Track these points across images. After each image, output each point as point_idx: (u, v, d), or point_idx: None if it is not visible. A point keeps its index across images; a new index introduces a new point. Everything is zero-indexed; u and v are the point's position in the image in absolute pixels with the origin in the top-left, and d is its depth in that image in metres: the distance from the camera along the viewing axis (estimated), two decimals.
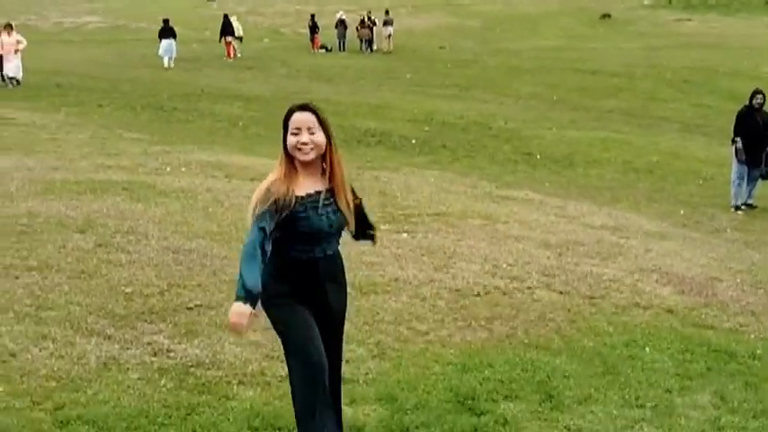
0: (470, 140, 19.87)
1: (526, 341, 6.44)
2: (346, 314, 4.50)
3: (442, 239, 9.07)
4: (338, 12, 41.40)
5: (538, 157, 18.38)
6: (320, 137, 4.08)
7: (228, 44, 35.97)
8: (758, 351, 6.48)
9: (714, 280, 8.58)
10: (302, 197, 4.08)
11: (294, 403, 4.23)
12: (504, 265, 8.24)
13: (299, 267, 4.19)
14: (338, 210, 4.17)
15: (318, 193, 4.12)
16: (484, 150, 18.88)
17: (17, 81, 25.03)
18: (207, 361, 5.58)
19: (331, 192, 4.16)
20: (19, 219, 8.30)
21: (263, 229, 3.97)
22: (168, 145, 15.90)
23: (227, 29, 36.26)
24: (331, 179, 4.17)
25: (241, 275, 3.91)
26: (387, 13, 40.27)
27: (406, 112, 23.33)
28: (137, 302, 6.40)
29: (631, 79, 31.82)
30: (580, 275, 8.11)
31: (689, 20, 50.71)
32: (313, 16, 40.52)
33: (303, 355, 4.15)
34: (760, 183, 14.73)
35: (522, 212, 11.21)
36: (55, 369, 5.20)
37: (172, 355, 5.61)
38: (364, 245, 4.71)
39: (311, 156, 4.07)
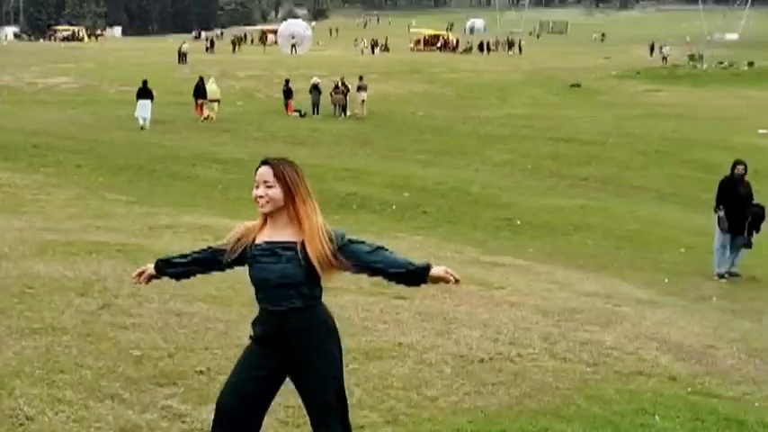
0: (450, 206, 20.02)
1: (535, 408, 6.43)
2: (328, 376, 4.39)
3: (440, 305, 9.09)
4: (312, 77, 41.70)
5: (518, 223, 18.55)
6: (276, 191, 4.17)
7: (199, 105, 36.16)
8: (766, 419, 6.52)
9: (711, 348, 8.64)
10: (257, 245, 4.23)
11: None
12: (505, 332, 8.27)
13: (262, 315, 4.32)
14: (301, 261, 4.14)
15: (274, 243, 4.18)
16: (465, 216, 19.03)
17: None
18: None
19: (302, 243, 4.16)
20: (18, 279, 8.22)
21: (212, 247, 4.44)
22: (151, 207, 15.90)
23: (200, 91, 36.48)
24: (301, 231, 4.18)
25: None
26: (360, 78, 40.64)
27: (385, 177, 23.47)
28: (147, 366, 6.34)
29: (604, 147, 32.24)
30: (581, 342, 8.15)
31: (659, 90, 51.66)
32: (287, 81, 40.83)
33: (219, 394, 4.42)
34: (743, 252, 14.92)
35: (514, 279, 11.28)
36: None
37: (188, 420, 5.55)
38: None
39: (267, 209, 4.20)
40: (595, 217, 19.65)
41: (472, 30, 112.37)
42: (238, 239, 4.30)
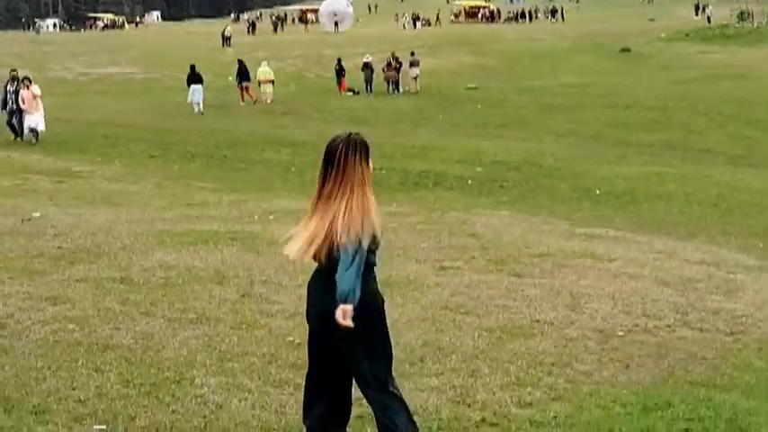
0: (525, 179, 19.99)
1: (689, 379, 6.48)
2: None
3: (562, 280, 9.12)
4: (364, 55, 41.72)
5: (597, 192, 18.49)
6: None
7: (244, 89, 36.36)
8: None
9: None
10: None
11: None
12: (635, 304, 8.29)
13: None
14: None
15: None
16: (542, 189, 18.99)
17: (36, 134, 23.67)
18: None
19: None
20: (154, 272, 8.40)
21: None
22: (237, 193, 16.05)
23: (243, 74, 36.69)
24: None
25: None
26: (412, 54, 40.61)
27: (453, 153, 23.48)
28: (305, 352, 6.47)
29: (665, 112, 31.99)
30: (713, 312, 8.16)
31: (711, 52, 51.06)
32: (339, 60, 40.92)
33: None
34: None
35: (619, 250, 11.26)
36: (264, 420, 5.28)
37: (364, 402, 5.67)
38: None
39: None
40: (673, 184, 19.53)
41: None
42: (377, 226, 4.52)
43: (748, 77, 40.69)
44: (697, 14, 79.21)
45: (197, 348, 6.38)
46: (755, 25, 63.26)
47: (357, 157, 4.48)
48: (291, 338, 6.69)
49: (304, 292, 7.88)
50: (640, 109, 32.89)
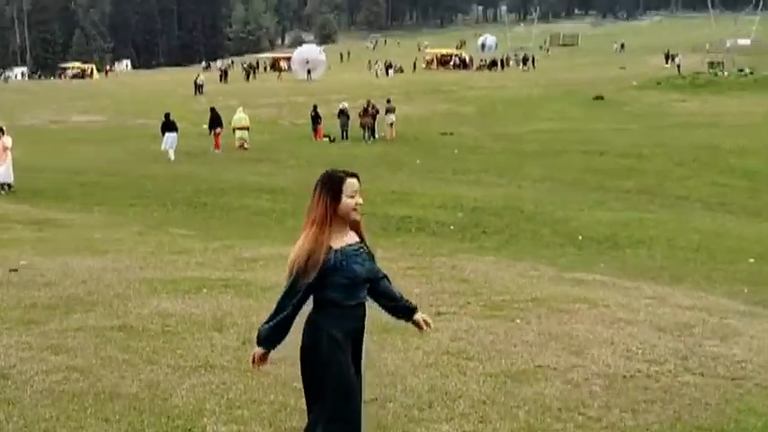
0: (507, 225, 20.05)
1: (696, 424, 6.49)
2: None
3: (559, 325, 9.13)
4: (340, 102, 41.93)
5: (580, 238, 18.57)
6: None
7: (217, 135, 36.39)
8: None
9: None
10: (340, 250, 4.61)
11: None
12: (634, 349, 8.31)
13: (342, 312, 4.69)
14: (369, 257, 4.74)
15: (357, 245, 4.71)
16: (524, 234, 19.07)
17: (8, 186, 23.40)
18: None
19: (362, 243, 4.75)
20: (152, 319, 8.32)
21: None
22: (220, 240, 15.96)
23: (215, 121, 36.77)
24: (359, 233, 4.78)
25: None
26: (388, 101, 40.86)
27: (433, 198, 23.55)
28: None
29: (640, 159, 32.32)
30: (712, 357, 8.18)
31: (683, 100, 51.75)
32: (315, 107, 41.06)
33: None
34: None
35: (610, 295, 11.30)
36: None
37: None
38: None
39: (359, 216, 4.76)
40: (654, 229, 19.67)
41: (483, 46, 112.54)
42: (308, 261, 4.56)
43: (720, 125, 41.25)
44: (667, 63, 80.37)
45: (204, 396, 6.31)
46: (726, 74, 64.24)
47: (322, 192, 4.66)
48: (297, 385, 6.63)
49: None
50: (615, 156, 33.20)
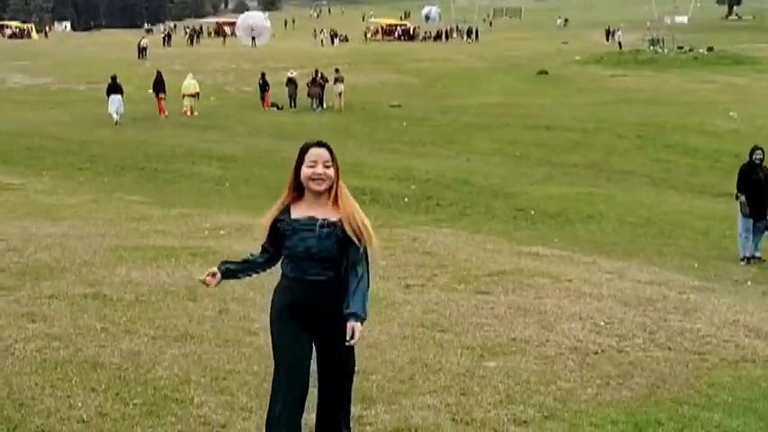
0: (460, 197, 20.22)
1: (670, 398, 6.65)
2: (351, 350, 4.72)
3: (526, 299, 9.28)
4: (288, 70, 41.66)
5: (533, 212, 18.80)
6: (332, 171, 4.60)
7: (161, 100, 36.02)
8: None
9: None
10: (296, 219, 4.58)
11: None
12: (602, 324, 8.48)
13: (292, 284, 4.66)
14: (338, 237, 4.55)
15: (316, 219, 4.56)
16: (478, 207, 19.25)
17: None
18: (403, 426, 5.68)
19: (339, 221, 4.57)
20: (125, 288, 8.28)
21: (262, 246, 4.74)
22: (176, 208, 15.87)
23: (159, 85, 36.37)
24: (339, 209, 4.60)
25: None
26: (337, 70, 40.67)
27: (385, 170, 23.63)
28: None
29: (585, 134, 32.65)
30: (677, 331, 8.38)
31: (624, 75, 52.32)
32: (263, 74, 40.70)
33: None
34: (766, 235, 15.30)
35: (570, 269, 11.50)
36: None
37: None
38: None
39: (324, 186, 4.58)
40: (603, 204, 19.97)
41: (428, 17, 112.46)
42: (263, 221, 4.70)
43: (661, 102, 41.77)
44: (608, 40, 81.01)
45: (188, 367, 6.31)
46: (666, 52, 65.06)
47: (295, 160, 4.68)
48: None
49: None
50: (562, 130, 33.48)
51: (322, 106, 39.59)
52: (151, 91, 37.35)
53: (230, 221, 13.68)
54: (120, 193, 18.09)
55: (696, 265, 14.17)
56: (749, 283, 13.11)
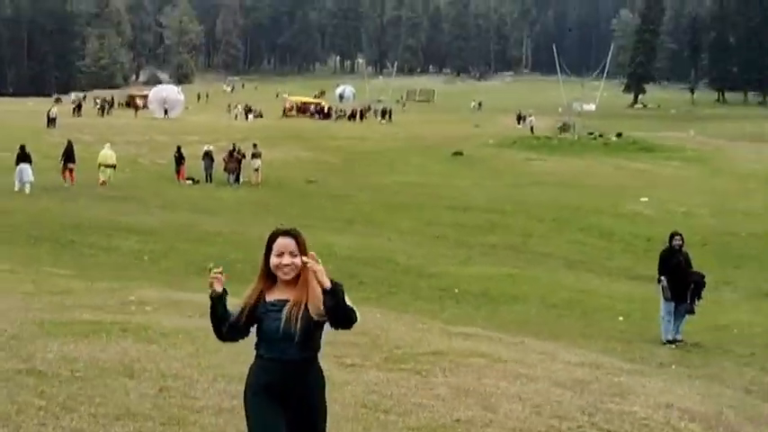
0: (385, 276, 20.22)
1: None
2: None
3: (465, 380, 9.26)
4: (205, 144, 41.51)
5: (456, 291, 18.90)
6: (299, 260, 4.67)
7: (69, 171, 35.54)
8: None
9: (721, 414, 9.11)
10: (268, 302, 4.68)
11: None
12: (542, 405, 8.50)
13: (264, 364, 4.71)
14: (309, 317, 4.61)
15: (283, 301, 4.65)
16: (403, 286, 19.27)
17: None
18: None
19: (305, 303, 4.64)
20: (59, 364, 8.00)
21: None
22: (97, 281, 15.50)
23: (70, 155, 35.90)
24: (306, 292, 4.66)
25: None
26: (255, 146, 40.71)
27: (308, 247, 23.48)
28: None
29: (503, 215, 33.19)
30: (616, 414, 8.46)
31: (538, 159, 53.47)
32: (179, 148, 40.48)
33: None
34: (687, 318, 15.65)
35: (503, 351, 11.54)
36: None
37: None
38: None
39: (291, 275, 4.69)
40: (526, 285, 20.21)
41: (342, 97, 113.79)
42: (242, 305, 4.75)
43: (575, 185, 42.77)
44: (519, 123, 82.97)
45: None
46: (576, 137, 66.81)
47: (265, 247, 4.80)
48: None
49: (220, 387, 7.81)
50: (479, 211, 33.97)
51: (238, 181, 39.47)
52: (61, 161, 36.67)
53: (156, 296, 13.44)
54: (38, 265, 17.61)
55: (619, 349, 14.37)
56: (673, 366, 13.33)
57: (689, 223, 33.18)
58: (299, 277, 4.70)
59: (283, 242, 4.72)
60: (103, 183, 35.45)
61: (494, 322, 15.75)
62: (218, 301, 4.80)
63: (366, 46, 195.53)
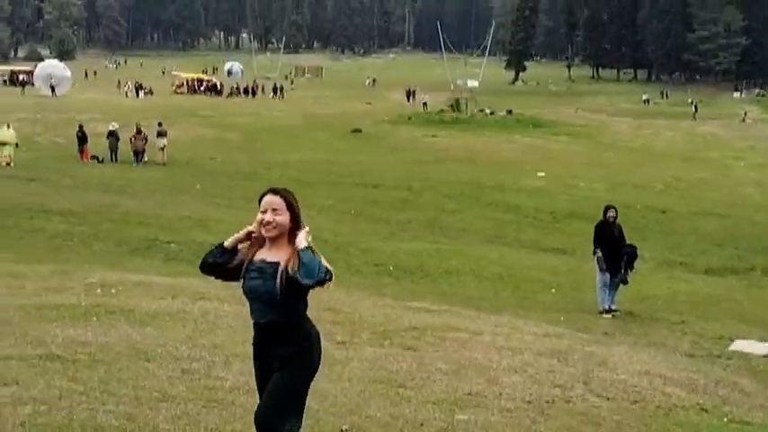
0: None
1: None
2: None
3: (456, 353, 9.58)
4: (111, 123, 40.65)
5: (391, 268, 19.21)
6: (283, 218, 4.78)
7: None
8: None
9: (692, 380, 9.68)
10: (253, 262, 4.79)
11: None
12: (538, 376, 8.90)
13: (254, 329, 4.94)
14: (281, 283, 4.69)
15: (266, 262, 4.75)
16: (338, 264, 19.09)
17: None
18: None
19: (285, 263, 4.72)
20: (74, 348, 8.00)
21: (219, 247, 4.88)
22: (35, 264, 15.20)
23: None
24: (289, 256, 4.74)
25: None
26: (160, 124, 40.11)
27: (232, 225, 22.80)
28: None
29: (412, 193, 33.63)
30: (607, 381, 8.91)
31: (434, 136, 54.16)
32: (81, 126, 39.65)
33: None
34: (621, 288, 16.34)
35: (468, 324, 11.88)
36: None
37: None
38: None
39: (273, 233, 4.77)
40: (455, 260, 20.63)
41: (230, 73, 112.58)
42: (237, 247, 4.88)
43: (475, 162, 43.63)
44: (408, 100, 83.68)
45: (183, 427, 6.21)
46: (469, 114, 67.88)
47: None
48: None
49: (237, 367, 7.92)
50: (388, 188, 34.36)
51: (143, 160, 38.88)
52: None
53: (116, 278, 13.27)
54: None
55: (562, 318, 14.90)
56: (617, 334, 13.94)
57: (588, 197, 34.34)
58: (291, 239, 4.77)
59: (269, 199, 4.80)
60: (8, 164, 34.44)
61: (438, 297, 16.10)
62: (221, 248, 4.89)
63: (251, 21, 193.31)
